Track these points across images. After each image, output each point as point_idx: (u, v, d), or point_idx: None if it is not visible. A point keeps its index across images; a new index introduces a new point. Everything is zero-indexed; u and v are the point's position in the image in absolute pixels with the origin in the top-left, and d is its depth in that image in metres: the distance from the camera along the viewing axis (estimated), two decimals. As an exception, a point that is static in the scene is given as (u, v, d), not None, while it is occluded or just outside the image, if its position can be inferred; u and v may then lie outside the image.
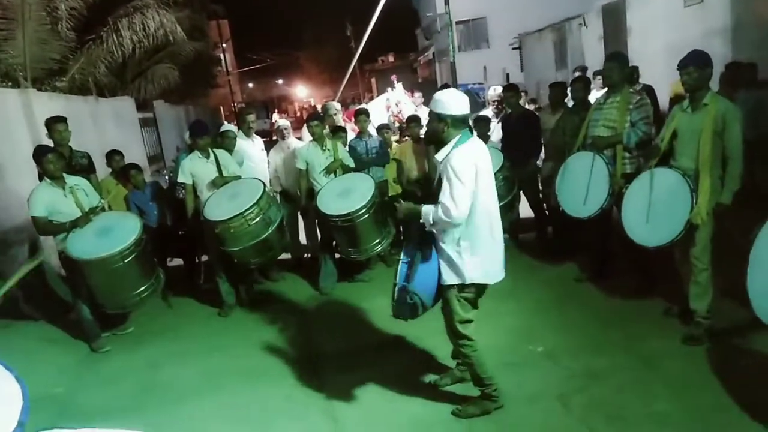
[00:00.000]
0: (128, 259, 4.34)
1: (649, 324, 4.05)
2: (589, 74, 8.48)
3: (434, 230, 2.99)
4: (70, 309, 5.07)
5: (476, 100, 12.77)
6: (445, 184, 2.87)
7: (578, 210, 4.53)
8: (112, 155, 5.92)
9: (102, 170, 5.92)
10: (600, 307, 4.50)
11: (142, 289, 4.54)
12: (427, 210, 2.96)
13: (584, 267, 5.17)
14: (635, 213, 3.96)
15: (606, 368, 3.55)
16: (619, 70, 4.45)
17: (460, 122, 2.97)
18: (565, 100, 6.01)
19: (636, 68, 8.33)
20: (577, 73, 8.67)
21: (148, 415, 3.70)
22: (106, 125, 10.59)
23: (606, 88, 4.64)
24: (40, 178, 4.77)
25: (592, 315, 4.36)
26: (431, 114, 3.03)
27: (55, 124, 5.09)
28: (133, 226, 4.50)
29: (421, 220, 2.99)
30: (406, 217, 3.16)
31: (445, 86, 3.88)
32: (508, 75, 20.97)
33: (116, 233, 4.42)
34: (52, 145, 4.99)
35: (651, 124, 4.40)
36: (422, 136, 5.99)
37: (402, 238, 3.17)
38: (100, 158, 6.06)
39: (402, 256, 3.07)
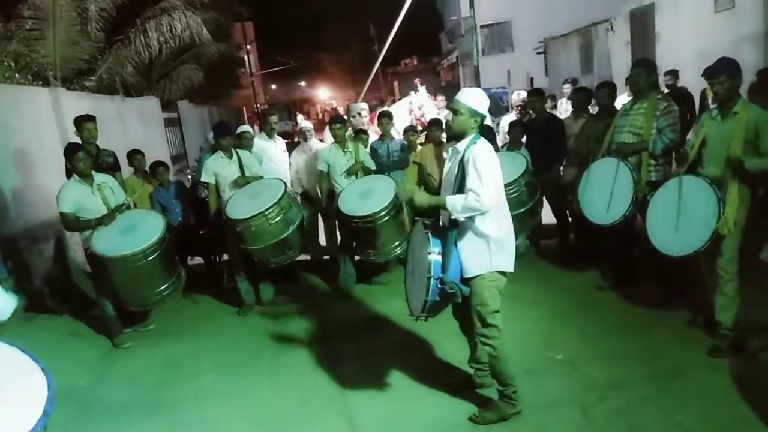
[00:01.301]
0: (151, 258, 4.40)
1: (672, 334, 3.97)
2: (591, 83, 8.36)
3: (460, 218, 2.99)
4: (93, 304, 5.16)
5: (499, 104, 12.70)
6: (472, 173, 2.95)
7: (600, 217, 4.47)
8: (134, 155, 6.01)
9: (126, 170, 6.01)
10: (622, 315, 4.42)
11: (163, 287, 4.59)
12: (455, 198, 2.99)
13: (606, 275, 5.10)
14: (661, 221, 3.89)
15: (628, 377, 3.49)
16: (647, 76, 4.39)
17: (482, 122, 3.15)
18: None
19: (675, 72, 8.20)
20: (567, 86, 8.55)
21: (167, 412, 3.74)
22: (131, 124, 10.78)
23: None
24: (68, 175, 4.86)
25: (613, 323, 4.29)
26: (462, 106, 3.08)
27: (84, 122, 5.19)
28: (157, 225, 4.55)
29: (447, 209, 3.00)
30: (426, 207, 3.21)
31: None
32: (532, 79, 20.83)
33: (140, 231, 4.48)
34: (79, 142, 5.09)
35: (678, 132, 4.33)
36: (443, 140, 5.97)
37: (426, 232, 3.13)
38: (126, 157, 6.16)
39: (431, 248, 3.01)
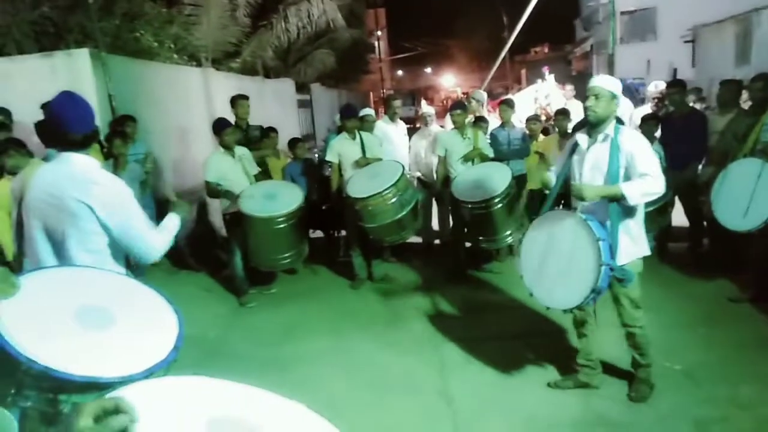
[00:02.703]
0: (289, 223, 4.83)
1: (816, 358, 3.56)
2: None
3: (636, 203, 2.96)
4: (226, 265, 5.69)
5: (634, 95, 11.88)
6: (642, 156, 2.94)
7: (735, 222, 4.09)
8: (268, 132, 6.50)
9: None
10: (756, 331, 4.04)
11: (289, 254, 5.01)
12: (631, 185, 2.92)
13: (745, 286, 4.64)
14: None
15: (754, 398, 3.20)
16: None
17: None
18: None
19: None
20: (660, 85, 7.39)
21: (281, 369, 4.05)
22: (269, 104, 11.56)
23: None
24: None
25: (745, 339, 3.92)
26: (603, 90, 3.04)
27: (239, 100, 5.79)
28: (297, 195, 5.01)
29: (625, 196, 2.90)
30: (594, 198, 3.02)
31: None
32: (675, 70, 19.09)
33: (281, 199, 4.94)
34: (233, 118, 5.64)
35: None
36: (569, 131, 5.75)
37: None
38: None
39: (597, 234, 2.91)
